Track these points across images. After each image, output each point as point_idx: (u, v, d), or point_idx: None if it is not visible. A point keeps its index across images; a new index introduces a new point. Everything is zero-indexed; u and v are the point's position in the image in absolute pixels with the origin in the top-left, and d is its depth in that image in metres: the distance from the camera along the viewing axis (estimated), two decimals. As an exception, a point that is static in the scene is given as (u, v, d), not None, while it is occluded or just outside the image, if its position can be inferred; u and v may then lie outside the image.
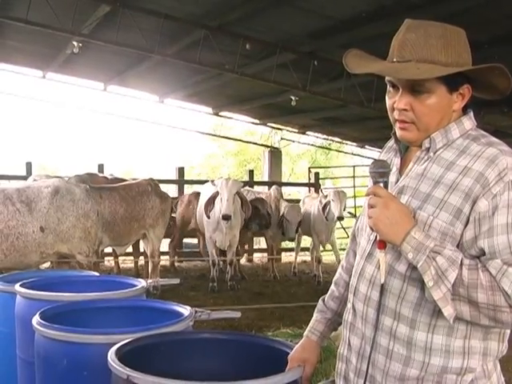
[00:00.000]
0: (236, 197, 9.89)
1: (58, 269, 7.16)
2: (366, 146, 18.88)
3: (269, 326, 7.43)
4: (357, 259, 2.15)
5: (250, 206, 10.21)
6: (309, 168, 19.09)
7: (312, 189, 16.74)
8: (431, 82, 1.89)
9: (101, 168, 13.23)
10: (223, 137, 22.87)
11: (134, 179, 10.35)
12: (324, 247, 12.66)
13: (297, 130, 18.36)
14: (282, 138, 19.11)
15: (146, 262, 10.32)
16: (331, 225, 12.03)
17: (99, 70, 13.58)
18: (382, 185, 1.92)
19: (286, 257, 15.37)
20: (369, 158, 19.59)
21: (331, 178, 23.03)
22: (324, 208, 11.46)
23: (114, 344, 2.29)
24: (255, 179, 16.60)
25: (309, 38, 9.85)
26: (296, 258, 13.25)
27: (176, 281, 3.84)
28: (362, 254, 2.09)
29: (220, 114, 16.75)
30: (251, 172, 16.20)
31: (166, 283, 3.81)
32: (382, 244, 1.91)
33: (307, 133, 18.61)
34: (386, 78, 1.98)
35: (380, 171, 1.94)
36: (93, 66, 13.17)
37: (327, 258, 15.31)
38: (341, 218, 11.67)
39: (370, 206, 1.89)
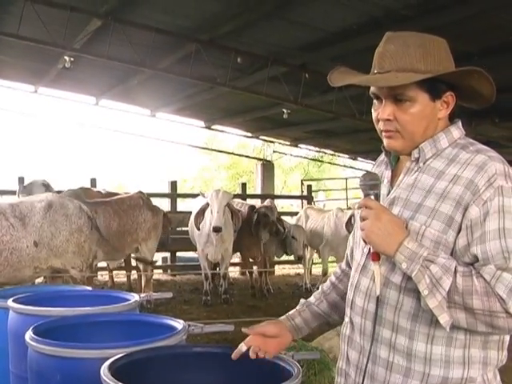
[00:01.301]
0: (226, 209, 9.85)
1: (50, 283, 7.15)
2: (359, 158, 18.93)
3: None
4: (352, 273, 2.17)
5: (240, 218, 10.15)
6: (301, 180, 19.11)
7: (305, 201, 16.77)
8: (413, 90, 1.92)
9: (93, 182, 13.21)
10: (216, 150, 22.90)
11: (126, 193, 10.34)
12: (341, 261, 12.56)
13: (289, 143, 18.39)
14: (274, 151, 19.13)
15: (139, 276, 10.29)
16: None
17: (91, 84, 13.59)
18: (372, 197, 1.93)
19: (279, 270, 15.36)
20: (361, 169, 19.63)
21: (324, 190, 23.06)
22: (348, 222, 11.36)
23: (108, 359, 2.27)
24: (248, 192, 16.58)
25: (300, 51, 9.88)
26: (306, 273, 13.13)
27: (169, 295, 3.83)
28: (357, 268, 2.10)
29: (212, 127, 16.76)
30: (244, 185, 16.20)
31: (159, 297, 3.80)
32: (375, 256, 1.92)
33: (299, 145, 18.63)
34: (370, 91, 2.01)
35: (370, 183, 1.95)
36: (84, 80, 13.17)
37: (319, 270, 15.35)
38: None
39: (362, 219, 1.90)
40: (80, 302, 3.59)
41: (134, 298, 3.51)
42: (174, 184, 14.57)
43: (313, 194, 17.33)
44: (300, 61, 10.35)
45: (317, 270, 14.83)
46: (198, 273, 11.44)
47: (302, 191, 17.97)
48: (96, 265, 9.10)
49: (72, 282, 7.22)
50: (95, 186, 12.48)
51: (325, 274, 12.32)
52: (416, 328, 1.91)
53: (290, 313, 2.35)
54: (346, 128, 14.38)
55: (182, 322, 2.87)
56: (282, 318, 2.34)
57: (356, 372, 2.05)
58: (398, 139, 1.98)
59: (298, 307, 2.37)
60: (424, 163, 1.98)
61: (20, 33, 9.27)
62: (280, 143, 18.79)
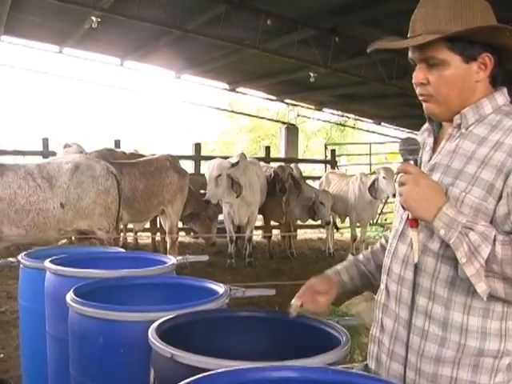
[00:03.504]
0: (224, 177, 9.75)
1: (79, 245, 7.17)
2: (382, 123, 18.75)
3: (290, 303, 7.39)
4: (389, 239, 2.13)
5: (241, 186, 10.04)
6: (325, 145, 18.96)
7: (328, 165, 16.68)
8: (443, 53, 1.89)
9: (117, 144, 13.15)
10: (240, 113, 22.70)
11: (152, 155, 10.31)
12: (365, 226, 12.63)
13: (313, 107, 18.23)
14: (298, 115, 19.00)
15: (162, 238, 10.31)
16: (377, 203, 12.03)
17: (116, 45, 13.51)
18: (412, 162, 1.91)
19: (301, 234, 15.33)
20: (385, 135, 19.49)
21: (346, 155, 22.91)
22: (371, 186, 11.34)
23: (151, 322, 2.25)
24: (271, 156, 16.52)
25: (330, 14, 9.72)
26: (330, 239, 13.12)
27: (205, 258, 3.82)
28: (395, 234, 2.07)
29: (237, 89, 16.63)
30: (267, 148, 16.11)
31: (195, 260, 3.77)
32: (413, 222, 1.89)
33: (323, 109, 18.48)
34: (408, 57, 1.98)
35: (410, 148, 1.92)
36: (110, 41, 13.09)
37: (342, 235, 15.35)
38: (395, 195, 11.60)
39: (401, 184, 1.87)
40: (116, 264, 3.59)
41: (171, 260, 3.49)
42: (197, 146, 14.47)
43: (336, 159, 17.20)
44: (330, 24, 10.19)
45: (338, 235, 14.85)
46: (221, 236, 11.44)
47: (326, 155, 17.85)
48: (124, 226, 9.13)
49: (99, 243, 7.23)
50: (119, 148, 12.44)
51: (354, 239, 12.30)
52: (453, 297, 1.88)
53: (338, 268, 2.34)
54: (373, 92, 14.23)
55: (222, 285, 2.85)
56: (330, 272, 2.33)
57: (390, 340, 2.03)
58: (433, 103, 1.96)
59: (345, 263, 2.36)
60: (466, 129, 1.94)
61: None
62: (304, 107, 18.66)
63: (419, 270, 1.93)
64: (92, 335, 2.53)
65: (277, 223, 12.65)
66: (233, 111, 23.37)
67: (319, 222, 12.76)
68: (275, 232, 14.06)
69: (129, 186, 8.63)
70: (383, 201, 13.34)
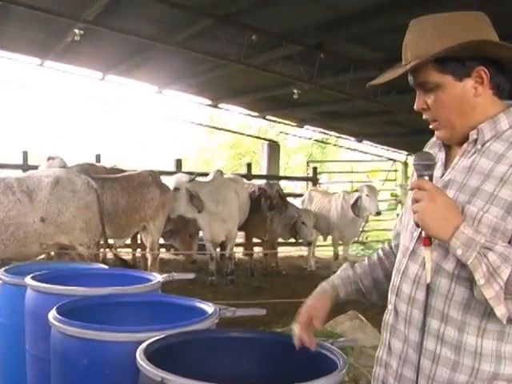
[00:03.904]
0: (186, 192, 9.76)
1: (59, 260, 7.05)
2: (364, 141, 18.74)
3: (275, 322, 7.30)
4: (398, 258, 2.04)
5: (201, 201, 9.94)
6: (307, 162, 18.96)
7: (310, 183, 16.66)
8: (434, 76, 1.84)
9: (98, 158, 13.03)
10: (222, 129, 22.49)
11: (133, 170, 10.21)
12: (347, 244, 12.66)
13: (295, 124, 18.16)
14: (280, 132, 18.95)
15: (143, 255, 10.19)
16: (360, 221, 12.06)
17: (98, 59, 13.35)
18: (427, 178, 1.83)
19: (282, 251, 15.26)
20: (366, 153, 19.49)
21: (327, 173, 22.86)
22: (354, 204, 11.36)
23: (139, 342, 2.18)
24: (253, 173, 16.45)
25: (316, 30, 9.64)
26: (311, 256, 13.11)
27: (191, 275, 3.72)
28: (405, 253, 1.98)
29: (219, 105, 16.53)
30: (249, 165, 16.06)
31: (180, 277, 3.66)
32: (427, 241, 1.81)
33: (305, 126, 18.42)
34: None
35: (425, 163, 1.84)
36: (92, 54, 12.94)
37: (323, 253, 15.29)
38: (379, 213, 11.71)
39: (415, 201, 1.78)
40: (100, 281, 3.49)
41: (157, 278, 3.39)
42: (179, 162, 14.41)
43: (317, 177, 17.16)
44: (315, 40, 10.11)
45: (320, 252, 14.79)
46: (202, 253, 11.33)
47: (308, 173, 17.81)
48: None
49: (79, 259, 7.11)
50: (99, 162, 12.32)
51: (336, 257, 12.28)
52: (467, 320, 1.80)
53: (336, 282, 2.24)
54: (356, 110, 14.17)
55: (211, 304, 2.75)
56: (327, 286, 2.24)
57: (398, 363, 1.94)
58: (440, 129, 1.92)
59: (343, 275, 2.26)
60: (482, 145, 1.86)
61: (31, 2, 9.10)
62: (285, 124, 18.61)
63: (432, 291, 1.85)
64: (75, 355, 2.43)
65: (259, 240, 12.59)
66: (214, 127, 23.18)
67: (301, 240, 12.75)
68: (257, 249, 14.00)
69: (110, 202, 8.51)
70: (365, 219, 13.33)
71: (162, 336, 2.23)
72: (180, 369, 1.93)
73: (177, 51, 10.88)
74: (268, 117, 17.93)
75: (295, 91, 12.20)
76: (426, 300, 1.85)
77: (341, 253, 12.38)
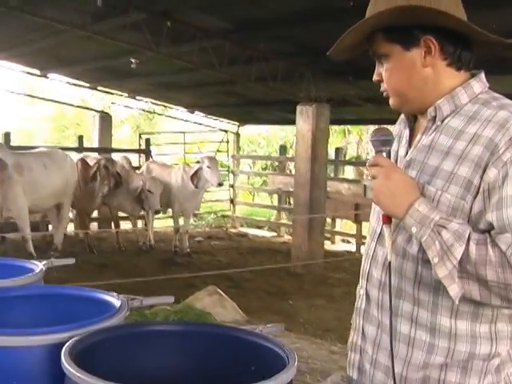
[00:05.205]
0: None
1: None
2: (196, 112, 18.58)
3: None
4: (367, 240, 1.98)
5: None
6: (139, 134, 18.65)
7: (143, 155, 16.42)
8: (383, 46, 1.82)
9: None
10: (52, 100, 21.14)
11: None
12: (188, 217, 12.56)
13: (127, 95, 17.63)
14: (112, 103, 18.40)
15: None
16: (201, 193, 11.95)
17: None
18: (384, 154, 1.78)
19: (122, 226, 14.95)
20: (199, 123, 19.40)
21: (156, 145, 22.46)
22: (194, 175, 11.16)
23: (50, 345, 1.91)
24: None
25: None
26: (150, 230, 12.89)
27: (72, 261, 3.38)
28: (373, 236, 1.93)
29: (48, 75, 15.64)
30: (80, 138, 15.58)
31: (60, 264, 3.30)
32: (386, 218, 1.76)
33: (136, 98, 17.96)
34: None
35: (382, 139, 1.80)
36: None
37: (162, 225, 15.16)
38: (221, 184, 11.65)
39: (372, 177, 1.74)
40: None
41: (39, 266, 2.99)
42: (7, 136, 13.63)
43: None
44: (161, 7, 9.70)
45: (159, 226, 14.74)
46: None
47: (140, 145, 17.49)
48: None
49: None
50: None
51: (177, 231, 12.13)
52: (439, 302, 1.76)
53: None
54: (193, 80, 13.91)
55: (116, 294, 2.47)
56: None
57: (373, 348, 1.91)
58: (391, 98, 1.89)
59: None
60: (442, 122, 1.82)
61: None
62: (116, 94, 18.05)
63: (400, 275, 1.81)
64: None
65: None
66: (44, 98, 21.71)
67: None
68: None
69: None
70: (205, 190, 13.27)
71: (84, 336, 1.93)
72: (111, 372, 1.70)
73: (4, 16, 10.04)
74: (100, 87, 17.23)
75: (133, 61, 11.77)
76: (396, 284, 1.81)
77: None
